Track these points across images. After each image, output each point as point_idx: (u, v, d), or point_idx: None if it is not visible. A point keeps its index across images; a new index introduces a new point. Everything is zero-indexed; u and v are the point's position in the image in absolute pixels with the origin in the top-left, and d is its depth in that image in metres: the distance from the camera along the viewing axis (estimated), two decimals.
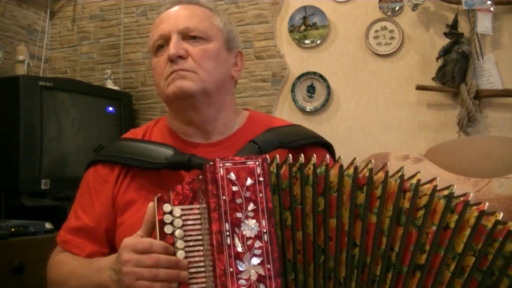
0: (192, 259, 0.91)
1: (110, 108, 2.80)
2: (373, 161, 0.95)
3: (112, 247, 1.15)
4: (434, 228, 0.91)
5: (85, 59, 3.18)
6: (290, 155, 0.94)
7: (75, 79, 3.05)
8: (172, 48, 1.12)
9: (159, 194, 0.94)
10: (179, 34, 1.14)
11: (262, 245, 0.86)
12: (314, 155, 0.94)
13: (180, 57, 1.13)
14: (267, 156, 0.92)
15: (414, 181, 0.93)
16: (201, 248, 0.91)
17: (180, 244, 0.91)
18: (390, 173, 0.94)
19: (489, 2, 2.37)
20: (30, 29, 3.05)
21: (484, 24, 2.38)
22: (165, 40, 1.15)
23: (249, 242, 0.86)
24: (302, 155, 0.94)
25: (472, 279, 0.89)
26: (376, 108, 2.65)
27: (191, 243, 0.91)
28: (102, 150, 1.21)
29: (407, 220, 0.91)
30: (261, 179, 0.89)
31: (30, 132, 2.34)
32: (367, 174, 0.93)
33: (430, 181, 0.94)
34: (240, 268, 0.85)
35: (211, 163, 0.90)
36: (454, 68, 2.42)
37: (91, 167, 1.20)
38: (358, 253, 0.91)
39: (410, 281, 0.90)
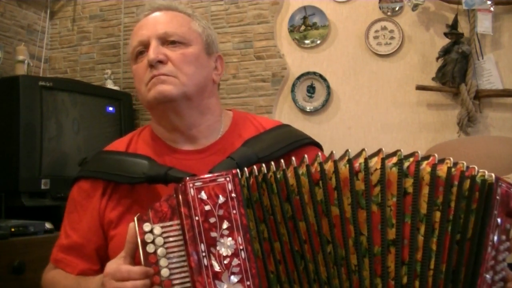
0: (178, 275, 0.90)
1: (110, 108, 2.80)
2: (320, 154, 0.95)
3: (103, 263, 1.14)
4: (395, 199, 0.91)
5: (85, 59, 3.18)
6: (255, 167, 0.93)
7: (75, 79, 3.05)
8: (152, 53, 1.12)
9: (138, 214, 0.93)
10: (158, 39, 1.14)
11: (239, 262, 0.87)
12: (272, 163, 0.94)
13: (160, 61, 1.12)
14: (238, 171, 0.91)
15: (361, 160, 0.92)
16: (185, 263, 0.90)
17: (163, 262, 0.90)
18: (344, 160, 0.94)
19: (489, 2, 2.37)
20: (30, 29, 3.05)
21: (484, 24, 2.38)
22: (145, 46, 1.15)
23: (226, 261, 0.87)
24: (264, 165, 0.94)
25: (445, 232, 0.90)
26: (376, 108, 2.65)
27: (174, 260, 0.90)
28: (85, 165, 1.19)
29: (367, 201, 0.91)
30: (233, 195, 0.89)
31: (30, 132, 2.34)
32: (318, 169, 0.93)
33: (377, 154, 0.93)
34: None
35: (182, 183, 0.89)
36: (454, 68, 2.42)
37: (75, 183, 1.19)
38: (332, 249, 0.91)
39: (388, 259, 0.90)
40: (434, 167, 0.91)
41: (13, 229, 1.98)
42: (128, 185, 1.12)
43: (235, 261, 0.87)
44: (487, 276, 0.91)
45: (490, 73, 2.44)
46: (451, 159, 0.93)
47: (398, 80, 2.62)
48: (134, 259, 0.94)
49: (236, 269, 0.87)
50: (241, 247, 0.87)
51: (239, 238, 0.88)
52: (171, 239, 0.91)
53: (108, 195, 1.14)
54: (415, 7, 2.49)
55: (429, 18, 2.58)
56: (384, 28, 2.63)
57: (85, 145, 2.62)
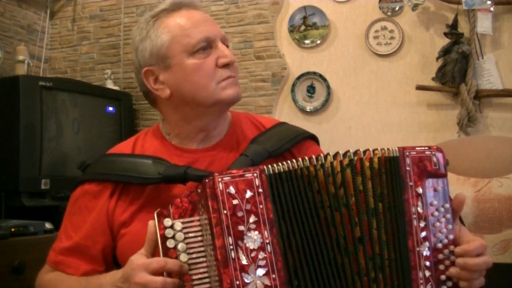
0: (196, 271, 0.92)
1: (110, 108, 2.80)
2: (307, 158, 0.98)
3: (108, 265, 1.14)
4: (354, 199, 0.96)
5: (85, 59, 3.18)
6: (275, 164, 0.95)
7: (75, 79, 3.05)
8: (231, 54, 1.14)
9: (159, 209, 0.94)
10: (221, 40, 1.16)
11: (266, 255, 0.89)
12: (280, 164, 0.96)
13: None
14: (265, 167, 0.94)
15: (328, 164, 0.97)
16: (205, 259, 0.92)
17: (183, 257, 0.92)
18: (318, 164, 0.98)
19: (489, 2, 2.37)
20: (30, 29, 3.05)
21: (484, 24, 2.38)
22: (209, 43, 1.14)
23: (253, 254, 0.89)
24: (280, 164, 0.96)
25: (388, 221, 0.96)
26: (376, 108, 2.65)
27: (194, 255, 0.93)
28: (89, 168, 1.18)
29: (338, 204, 0.95)
30: (260, 190, 0.91)
31: (30, 132, 2.34)
32: (306, 173, 0.96)
33: (335, 157, 0.98)
34: (246, 281, 0.87)
35: (210, 178, 0.91)
36: (454, 68, 2.42)
37: (79, 186, 1.18)
38: (325, 250, 0.94)
39: (359, 257, 0.94)
40: (371, 161, 0.97)
41: (13, 229, 1.98)
42: (139, 186, 1.12)
43: (262, 255, 0.89)
44: (420, 248, 0.95)
45: (490, 73, 2.44)
46: (379, 148, 0.99)
47: (398, 80, 2.62)
48: (154, 256, 0.94)
49: (262, 262, 0.88)
50: (267, 241, 0.89)
51: (266, 232, 0.90)
52: (191, 235, 0.93)
53: (117, 196, 1.14)
54: (415, 7, 2.49)
55: (429, 18, 2.58)
56: (384, 28, 2.63)
57: (85, 145, 2.62)
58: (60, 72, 3.20)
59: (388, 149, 0.98)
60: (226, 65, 1.13)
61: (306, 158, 0.97)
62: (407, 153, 0.98)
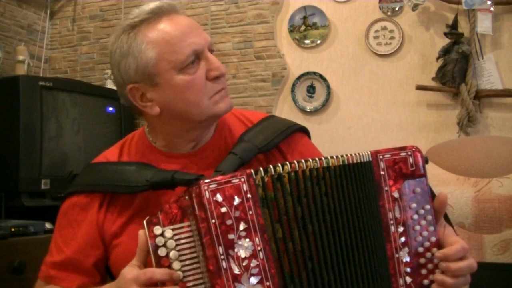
0: (191, 277, 0.89)
1: (110, 108, 2.80)
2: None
3: (102, 276, 1.12)
4: (349, 204, 0.95)
5: (85, 59, 3.18)
6: (271, 166, 0.92)
7: (75, 79, 3.05)
8: (221, 65, 1.08)
9: (148, 217, 0.91)
10: (207, 48, 1.09)
11: (258, 263, 0.86)
12: (288, 163, 0.93)
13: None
14: (252, 171, 0.90)
15: (332, 167, 0.95)
16: (199, 265, 0.89)
17: (176, 265, 0.89)
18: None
19: (489, 2, 2.37)
20: (30, 29, 3.05)
21: (484, 24, 2.38)
22: (197, 55, 1.07)
23: (245, 263, 0.86)
24: (279, 164, 0.92)
25: (370, 228, 0.95)
26: (376, 108, 2.65)
27: (187, 262, 0.90)
28: (76, 178, 1.15)
29: (340, 207, 0.94)
30: (248, 195, 0.88)
31: (30, 132, 2.34)
32: (315, 174, 0.94)
33: (336, 158, 0.96)
34: None
35: (196, 186, 0.87)
36: (454, 68, 2.42)
37: (68, 198, 1.15)
38: (328, 252, 0.92)
39: (356, 262, 0.94)
40: (354, 166, 0.95)
41: (13, 229, 1.98)
42: (128, 195, 1.09)
43: (254, 262, 0.86)
44: (400, 254, 0.94)
45: (490, 73, 2.44)
46: (358, 153, 0.96)
47: (398, 80, 2.62)
48: (146, 266, 0.92)
49: (255, 270, 0.86)
50: (259, 248, 0.87)
51: (257, 238, 0.87)
52: (182, 241, 0.90)
53: (105, 207, 1.11)
54: (415, 7, 2.49)
55: (429, 18, 2.58)
56: (384, 28, 2.63)
57: (85, 145, 2.62)
58: (60, 72, 3.20)
59: (360, 153, 0.96)
60: (216, 78, 1.07)
61: (317, 158, 0.94)
62: (381, 157, 0.96)
